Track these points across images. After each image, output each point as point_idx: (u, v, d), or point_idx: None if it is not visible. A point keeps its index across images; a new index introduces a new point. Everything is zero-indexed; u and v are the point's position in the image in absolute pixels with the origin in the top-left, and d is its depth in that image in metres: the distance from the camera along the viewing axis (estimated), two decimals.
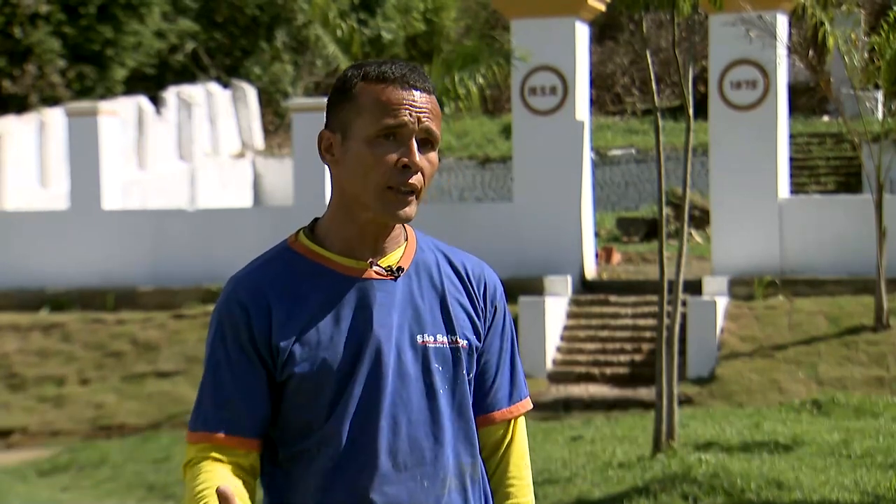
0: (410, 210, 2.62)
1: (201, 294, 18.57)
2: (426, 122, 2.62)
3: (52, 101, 25.32)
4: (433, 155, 2.64)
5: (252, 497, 2.62)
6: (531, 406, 2.85)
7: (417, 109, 2.61)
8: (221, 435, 2.59)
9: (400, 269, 2.67)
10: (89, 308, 18.92)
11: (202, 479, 2.55)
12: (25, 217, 20.42)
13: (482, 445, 2.77)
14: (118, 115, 21.09)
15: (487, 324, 2.75)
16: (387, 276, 2.65)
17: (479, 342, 2.73)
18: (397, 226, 2.69)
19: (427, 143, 2.63)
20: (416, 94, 2.62)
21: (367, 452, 2.58)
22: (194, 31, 29.80)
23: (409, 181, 2.59)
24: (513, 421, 2.80)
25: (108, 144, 19.97)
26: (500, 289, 2.79)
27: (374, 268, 2.65)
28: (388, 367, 2.61)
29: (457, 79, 15.84)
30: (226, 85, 28.44)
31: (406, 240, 2.73)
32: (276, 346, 2.59)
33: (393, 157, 2.59)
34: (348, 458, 2.59)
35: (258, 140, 28.44)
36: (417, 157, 2.60)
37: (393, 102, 2.60)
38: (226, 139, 27.30)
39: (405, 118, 2.60)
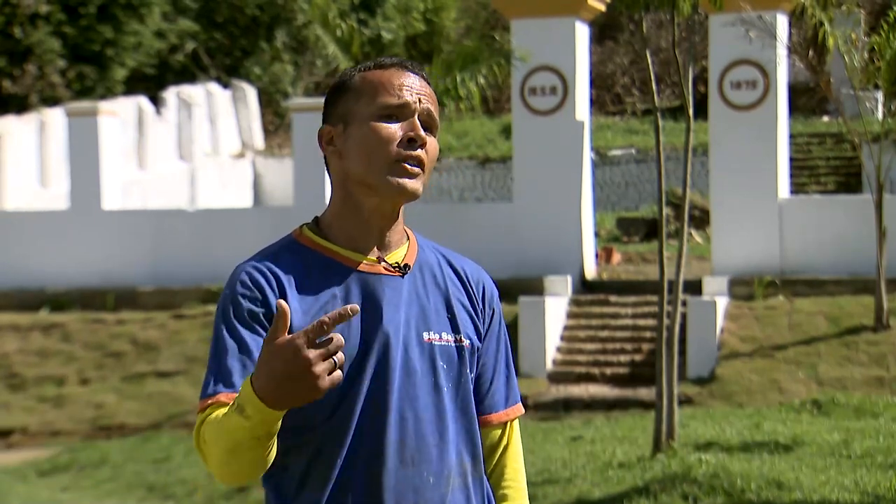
0: (417, 184, 2.63)
1: (201, 294, 18.57)
2: (426, 104, 2.66)
3: (52, 101, 25.32)
4: (433, 140, 2.67)
5: None
6: (523, 411, 2.86)
7: (417, 91, 2.66)
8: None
9: (407, 265, 2.68)
10: (89, 308, 18.92)
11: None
12: (25, 217, 20.42)
13: None
14: (118, 115, 21.10)
15: (486, 326, 2.77)
16: (394, 271, 2.66)
17: (480, 343, 2.75)
18: (400, 224, 2.71)
19: (427, 127, 2.66)
20: (415, 77, 2.68)
21: (374, 448, 2.59)
22: (194, 32, 29.81)
23: (414, 153, 2.62)
24: (509, 424, 2.81)
25: (108, 144, 19.97)
26: (496, 294, 2.82)
27: (383, 263, 2.67)
28: (396, 363, 2.61)
29: (458, 79, 15.84)
30: (226, 85, 28.45)
31: (408, 240, 2.74)
32: (290, 330, 2.53)
33: (398, 132, 2.62)
34: (356, 453, 2.58)
35: (258, 140, 28.45)
36: (422, 131, 2.63)
37: (394, 84, 2.65)
38: (226, 139, 27.30)
39: (407, 98, 2.64)
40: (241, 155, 27.57)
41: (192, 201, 24.82)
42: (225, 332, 2.58)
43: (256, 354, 2.51)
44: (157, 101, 25.74)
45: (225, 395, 2.51)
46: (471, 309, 2.74)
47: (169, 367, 17.16)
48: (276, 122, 29.93)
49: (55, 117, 22.40)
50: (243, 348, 2.56)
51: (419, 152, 2.62)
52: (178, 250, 19.41)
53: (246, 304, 2.59)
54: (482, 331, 2.75)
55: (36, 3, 25.77)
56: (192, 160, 25.60)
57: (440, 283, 2.72)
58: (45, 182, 22.40)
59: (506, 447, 2.81)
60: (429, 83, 2.71)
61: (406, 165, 2.61)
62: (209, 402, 2.52)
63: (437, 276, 2.73)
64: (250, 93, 28.44)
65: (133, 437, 15.52)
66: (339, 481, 2.59)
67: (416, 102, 2.64)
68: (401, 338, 2.63)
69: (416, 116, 2.64)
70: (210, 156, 26.49)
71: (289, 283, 2.61)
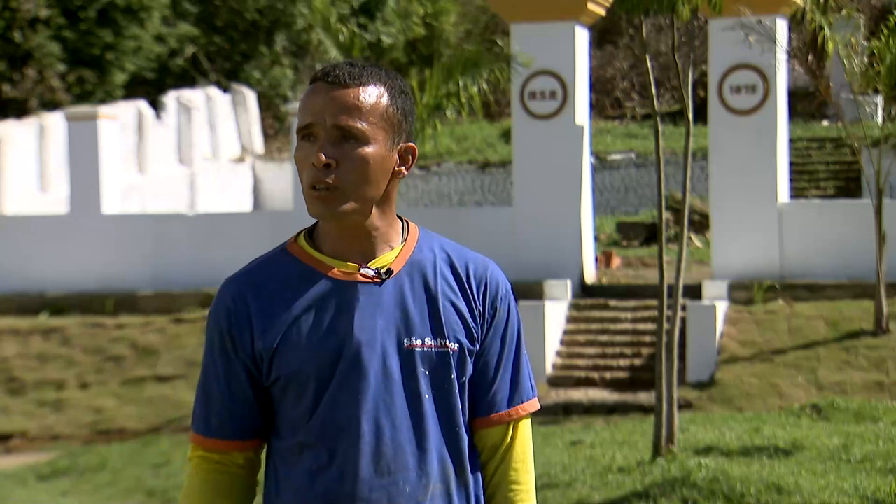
0: (326, 207, 2.59)
1: (201, 298, 18.56)
2: (337, 119, 2.58)
3: (51, 105, 25.33)
4: (353, 148, 2.59)
5: (254, 487, 2.76)
6: (537, 408, 2.80)
7: (325, 107, 2.59)
8: (214, 439, 2.69)
9: (389, 271, 2.66)
10: (89, 312, 18.91)
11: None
12: (25, 221, 20.42)
13: (482, 448, 2.75)
14: (118, 119, 21.09)
15: (486, 326, 2.72)
16: (372, 278, 2.64)
17: (474, 345, 2.70)
18: (382, 229, 2.68)
19: (347, 138, 2.60)
20: (335, 90, 2.60)
21: (347, 457, 2.59)
22: (194, 36, 29.82)
23: (321, 178, 2.58)
24: (512, 424, 2.76)
25: (107, 149, 19.97)
26: (503, 290, 2.75)
27: (362, 270, 2.65)
28: (370, 371, 2.60)
29: (461, 84, 15.83)
30: (225, 89, 28.45)
31: (405, 239, 2.71)
32: (260, 352, 2.63)
33: (307, 157, 2.61)
34: (329, 462, 2.60)
35: (258, 144, 28.45)
36: (322, 154, 2.57)
37: (308, 104, 2.62)
38: (225, 143, 27.30)
39: (310, 118, 2.60)
40: (240, 159, 27.58)
41: (192, 205, 24.82)
42: (204, 366, 2.75)
43: (224, 393, 2.69)
44: (156, 105, 25.75)
45: (200, 438, 2.71)
46: (465, 310, 2.69)
47: (168, 372, 17.16)
48: (275, 126, 29.93)
49: (55, 121, 22.40)
50: (214, 392, 2.71)
51: (326, 178, 2.57)
52: (178, 254, 19.42)
53: (217, 339, 2.71)
54: (478, 332, 2.70)
55: (36, 7, 25.79)
56: (192, 164, 25.60)
57: (431, 286, 2.68)
58: (45, 186, 22.40)
59: (509, 447, 2.75)
60: (363, 85, 2.61)
61: (314, 191, 2.59)
62: (193, 438, 2.74)
63: (430, 277, 2.69)
64: (250, 97, 28.45)
65: (132, 442, 15.51)
66: (311, 488, 2.61)
67: (320, 122, 2.59)
68: (377, 345, 2.61)
69: (322, 137, 2.59)
70: (210, 160, 26.49)
71: (261, 302, 2.65)
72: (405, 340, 2.63)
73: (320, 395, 2.60)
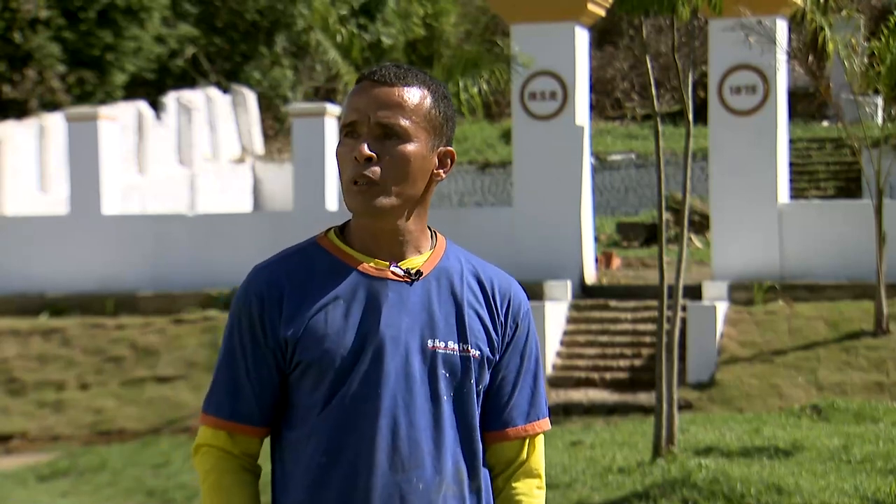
0: (369, 201, 2.63)
1: (201, 299, 18.56)
2: (380, 117, 2.62)
3: (51, 105, 25.33)
4: (395, 144, 2.63)
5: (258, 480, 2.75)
6: (548, 427, 2.83)
7: (369, 104, 2.63)
8: (232, 423, 2.67)
9: (419, 273, 2.68)
10: (89, 313, 18.91)
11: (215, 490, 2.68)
12: (25, 222, 20.42)
13: (495, 462, 2.78)
14: (118, 119, 21.10)
15: (506, 340, 2.75)
16: (403, 278, 2.67)
17: (494, 356, 2.73)
18: (416, 232, 2.71)
19: (390, 135, 2.63)
20: (380, 88, 2.65)
21: (362, 451, 2.60)
22: (194, 36, 29.82)
23: (362, 172, 2.61)
24: (528, 440, 2.79)
25: (107, 149, 19.97)
26: (525, 308, 2.80)
27: (393, 268, 2.67)
28: (391, 368, 2.62)
29: (461, 84, 15.83)
30: (225, 90, 28.45)
31: (434, 247, 2.74)
32: (284, 338, 2.63)
33: (349, 152, 2.64)
34: (340, 454, 2.61)
35: (258, 145, 28.45)
36: (365, 148, 2.61)
37: (353, 102, 2.66)
38: (225, 144, 27.30)
39: (355, 116, 2.64)
40: (240, 160, 27.58)
41: (192, 206, 24.83)
42: (228, 348, 2.70)
43: (249, 376, 2.67)
44: (156, 105, 25.75)
45: (218, 421, 2.68)
46: (488, 321, 2.73)
47: (168, 372, 17.15)
48: (275, 126, 29.94)
49: (55, 122, 22.40)
50: (238, 374, 2.68)
51: (366, 171, 2.61)
52: (178, 255, 19.41)
53: (246, 322, 2.68)
54: (498, 344, 2.74)
55: (36, 7, 25.79)
56: (192, 165, 25.61)
57: (457, 292, 2.71)
58: (45, 187, 22.40)
59: (523, 463, 2.78)
60: (406, 85, 2.66)
61: (356, 185, 2.62)
62: (208, 421, 2.70)
63: (456, 284, 2.72)
64: (250, 97, 28.45)
65: (132, 442, 15.51)
66: (324, 480, 2.62)
67: (363, 119, 2.63)
68: (401, 344, 2.63)
69: (364, 133, 2.62)
70: (210, 161, 26.49)
71: (291, 289, 2.66)
72: (429, 342, 2.66)
73: (337, 386, 2.62)
